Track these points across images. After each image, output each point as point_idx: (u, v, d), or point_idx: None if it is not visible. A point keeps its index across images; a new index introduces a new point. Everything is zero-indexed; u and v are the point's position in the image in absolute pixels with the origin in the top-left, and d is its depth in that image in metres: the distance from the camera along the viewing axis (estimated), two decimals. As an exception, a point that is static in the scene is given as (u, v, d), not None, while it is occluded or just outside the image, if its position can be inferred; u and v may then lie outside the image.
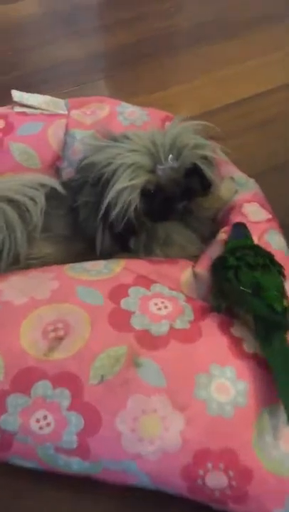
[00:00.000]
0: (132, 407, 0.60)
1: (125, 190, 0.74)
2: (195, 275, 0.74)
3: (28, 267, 0.77)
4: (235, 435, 0.59)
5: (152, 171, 0.75)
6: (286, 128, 1.13)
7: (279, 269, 0.69)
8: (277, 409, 0.59)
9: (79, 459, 0.61)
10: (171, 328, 0.65)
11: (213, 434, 0.59)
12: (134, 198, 0.74)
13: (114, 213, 0.75)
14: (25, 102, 0.96)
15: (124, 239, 0.79)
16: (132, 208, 0.75)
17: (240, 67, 1.31)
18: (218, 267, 0.69)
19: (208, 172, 0.79)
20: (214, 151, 0.81)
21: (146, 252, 0.80)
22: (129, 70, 1.32)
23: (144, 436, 0.59)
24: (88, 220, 0.78)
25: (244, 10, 1.49)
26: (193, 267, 0.76)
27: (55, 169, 0.92)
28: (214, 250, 0.76)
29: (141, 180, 0.74)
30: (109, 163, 0.75)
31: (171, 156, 0.75)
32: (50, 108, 0.97)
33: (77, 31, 1.43)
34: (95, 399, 0.61)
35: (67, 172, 0.90)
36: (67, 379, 0.62)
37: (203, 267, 0.74)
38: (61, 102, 0.99)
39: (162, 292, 0.70)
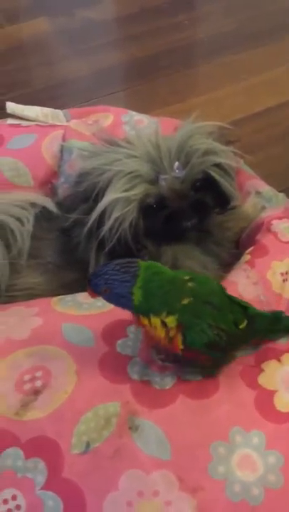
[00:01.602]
0: (125, 488, 0.45)
1: (118, 202, 0.61)
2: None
3: (9, 300, 0.65)
4: (266, 529, 0.43)
5: (153, 181, 0.62)
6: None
7: None
8: None
9: None
10: (179, 379, 0.50)
11: (236, 526, 0.44)
12: (129, 213, 0.61)
13: (106, 229, 0.62)
14: (19, 113, 0.86)
15: None
16: (126, 224, 0.61)
17: (263, 77, 1.22)
18: None
19: (223, 183, 0.66)
20: (232, 158, 0.67)
21: None
22: (144, 84, 1.24)
23: (142, 527, 0.44)
24: (80, 241, 0.65)
25: (264, 20, 1.41)
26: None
27: (50, 187, 0.80)
28: (237, 275, 0.61)
29: (138, 191, 0.62)
30: (105, 171, 0.63)
31: (177, 163, 0.62)
32: (49, 120, 0.86)
33: (88, 48, 1.36)
34: (78, 474, 0.47)
35: (64, 189, 0.77)
36: (43, 447, 0.48)
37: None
38: (61, 113, 0.88)
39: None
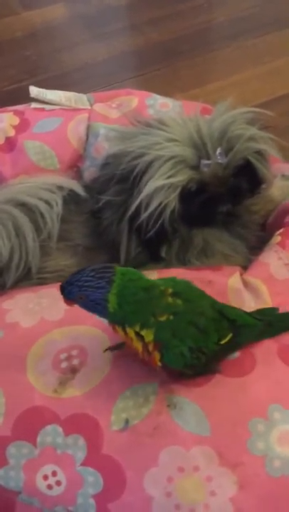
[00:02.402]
0: (165, 463, 0.46)
1: (162, 189, 0.60)
2: (245, 284, 0.59)
3: (40, 282, 0.65)
4: (307, 503, 0.44)
5: (196, 167, 0.61)
6: None
7: None
8: None
9: (98, 529, 0.47)
10: (216, 358, 0.50)
11: (276, 501, 0.44)
12: (172, 200, 0.60)
13: (145, 216, 0.61)
14: (42, 97, 0.85)
15: (155, 246, 0.65)
16: (168, 211, 0.61)
17: (285, 60, 1.20)
18: None
19: (262, 169, 0.65)
20: (271, 144, 0.66)
21: (180, 262, 0.65)
22: (164, 68, 1.22)
23: (182, 502, 0.45)
24: (112, 223, 0.65)
25: (286, 2, 1.38)
26: (242, 274, 0.61)
27: (75, 170, 0.79)
28: (268, 256, 0.61)
29: (182, 178, 0.60)
30: (143, 154, 0.61)
31: (219, 149, 0.61)
32: (72, 104, 0.86)
33: (106, 33, 1.35)
34: (118, 451, 0.47)
35: (90, 172, 0.77)
36: (82, 423, 0.49)
37: (254, 275, 0.60)
38: (84, 96, 0.87)
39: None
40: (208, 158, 0.61)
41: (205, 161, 0.61)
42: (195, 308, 0.47)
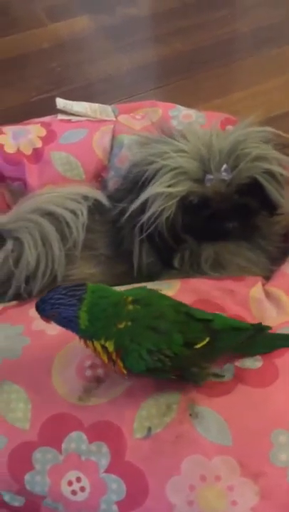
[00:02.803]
0: (187, 472, 0.46)
1: (160, 196, 0.62)
2: (267, 294, 0.60)
3: (66, 290, 0.66)
4: None
5: (199, 180, 0.62)
6: None
7: None
8: None
9: (121, 535, 0.48)
10: (237, 368, 0.51)
11: (298, 513, 0.44)
12: (167, 208, 0.62)
13: (142, 220, 0.63)
14: (69, 109, 0.87)
15: (164, 255, 0.66)
16: (163, 218, 0.62)
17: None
18: None
19: (271, 190, 0.65)
20: (284, 166, 0.65)
21: (196, 272, 0.66)
22: (185, 79, 1.23)
23: (204, 511, 0.45)
24: (126, 231, 0.66)
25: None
26: (264, 284, 0.61)
27: (100, 180, 0.81)
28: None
29: (182, 188, 0.62)
30: (152, 162, 0.63)
31: (225, 165, 0.61)
32: (97, 115, 0.88)
33: (130, 44, 1.36)
34: (141, 458, 0.48)
35: (114, 182, 0.78)
36: (105, 431, 0.50)
37: (276, 286, 0.60)
38: (109, 108, 0.89)
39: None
40: (213, 173, 0.62)
41: (209, 176, 0.62)
42: (154, 311, 0.48)
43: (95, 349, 0.48)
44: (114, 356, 0.47)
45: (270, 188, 0.65)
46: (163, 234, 0.64)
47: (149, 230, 0.63)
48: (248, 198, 0.65)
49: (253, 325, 0.52)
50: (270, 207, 0.67)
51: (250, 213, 0.66)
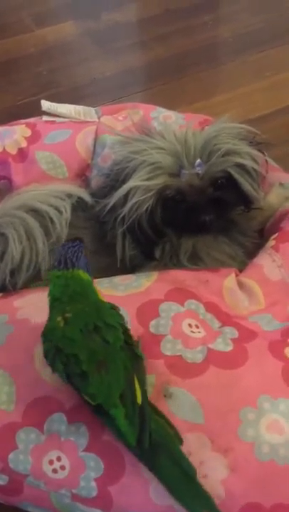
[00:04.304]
0: (161, 448, 0.49)
1: (137, 189, 0.65)
2: (240, 284, 0.63)
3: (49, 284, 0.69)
4: (294, 487, 0.47)
5: (174, 175, 0.66)
6: None
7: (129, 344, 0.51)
8: None
9: (100, 511, 0.50)
10: (210, 350, 0.54)
11: (265, 484, 0.47)
12: (146, 200, 0.65)
13: (123, 213, 0.66)
14: (53, 110, 0.90)
15: (145, 247, 0.69)
16: (142, 210, 0.65)
17: (288, 74, 1.22)
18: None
19: (244, 184, 0.68)
20: (257, 160, 0.69)
21: (174, 266, 0.69)
22: (169, 83, 1.27)
23: (177, 484, 0.48)
24: (109, 225, 0.70)
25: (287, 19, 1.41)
26: (237, 275, 0.65)
27: (83, 179, 0.84)
28: (262, 258, 0.65)
29: (158, 181, 0.65)
30: (133, 159, 0.67)
31: (198, 160, 0.65)
32: (81, 117, 0.91)
33: (115, 49, 1.40)
34: (118, 437, 0.50)
35: (97, 180, 0.82)
36: (85, 412, 0.52)
37: (249, 276, 0.63)
38: (92, 110, 0.92)
39: (197, 312, 0.59)
40: (187, 168, 0.65)
41: (184, 170, 0.65)
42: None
43: None
44: None
45: (243, 181, 0.68)
46: (143, 226, 0.67)
47: (129, 221, 0.66)
48: (223, 191, 0.68)
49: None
50: (247, 201, 0.71)
51: (225, 207, 0.69)
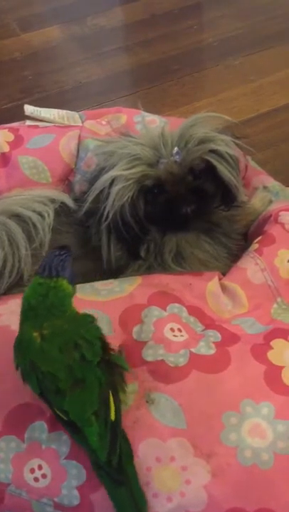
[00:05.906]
0: (144, 455, 0.49)
1: (117, 179, 0.65)
2: (223, 288, 0.63)
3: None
4: (276, 491, 0.47)
5: (153, 165, 0.66)
6: None
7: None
8: None
9: (83, 519, 0.50)
10: (193, 354, 0.54)
11: (247, 489, 0.47)
12: (127, 189, 0.65)
13: (107, 206, 0.66)
14: (37, 115, 0.90)
15: (130, 244, 0.69)
16: (124, 200, 0.65)
17: (271, 78, 1.24)
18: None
19: (222, 170, 0.68)
20: (233, 147, 0.69)
21: (160, 265, 0.69)
22: (154, 87, 1.27)
23: (159, 490, 0.48)
24: (93, 229, 0.69)
25: (272, 24, 1.43)
26: (221, 279, 0.64)
27: (66, 184, 0.84)
28: (246, 262, 0.64)
29: (136, 170, 0.65)
30: (114, 153, 0.67)
31: (176, 148, 0.65)
32: (64, 121, 0.91)
33: (100, 54, 1.40)
34: (100, 443, 0.50)
35: (80, 185, 0.81)
36: (66, 419, 0.51)
37: (232, 280, 0.63)
38: (76, 114, 0.92)
39: (180, 315, 0.59)
40: (166, 158, 0.66)
41: (162, 159, 0.66)
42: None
43: None
44: None
45: (222, 168, 0.68)
46: (126, 220, 0.66)
47: (112, 214, 0.66)
48: (203, 181, 0.68)
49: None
50: (228, 193, 0.70)
51: (206, 198, 0.69)
